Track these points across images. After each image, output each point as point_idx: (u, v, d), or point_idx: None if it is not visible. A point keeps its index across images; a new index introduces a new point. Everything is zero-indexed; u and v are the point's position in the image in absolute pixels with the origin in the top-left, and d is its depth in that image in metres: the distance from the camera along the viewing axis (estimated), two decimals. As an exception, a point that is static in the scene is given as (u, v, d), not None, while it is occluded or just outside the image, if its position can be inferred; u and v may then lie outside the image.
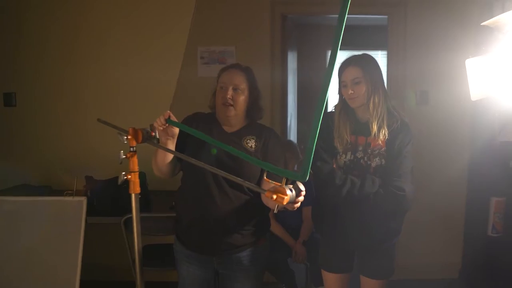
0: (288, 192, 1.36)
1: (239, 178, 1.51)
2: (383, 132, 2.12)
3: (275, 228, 3.06)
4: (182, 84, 3.66)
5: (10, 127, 3.84)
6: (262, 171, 2.08)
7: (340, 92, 2.23)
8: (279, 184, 1.38)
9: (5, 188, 3.41)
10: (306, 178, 1.21)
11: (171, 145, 1.96)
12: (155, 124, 1.87)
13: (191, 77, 3.65)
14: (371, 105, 2.13)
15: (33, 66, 3.76)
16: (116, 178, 2.91)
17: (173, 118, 1.89)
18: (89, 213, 2.77)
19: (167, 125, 1.88)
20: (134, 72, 3.67)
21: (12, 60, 3.77)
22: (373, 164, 2.15)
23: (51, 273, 2.56)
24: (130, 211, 1.75)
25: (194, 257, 2.16)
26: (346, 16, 1.04)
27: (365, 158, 2.16)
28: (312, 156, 1.15)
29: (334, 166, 2.21)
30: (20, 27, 3.74)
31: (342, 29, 1.05)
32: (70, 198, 2.66)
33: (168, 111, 1.89)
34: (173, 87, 3.63)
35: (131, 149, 1.72)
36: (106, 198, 3.08)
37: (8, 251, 2.63)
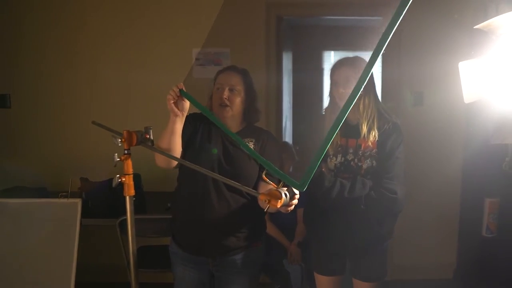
0: (283, 195, 1.37)
1: (237, 183, 1.52)
2: (373, 133, 2.13)
3: (270, 229, 3.07)
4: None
5: (5, 129, 3.84)
6: (259, 175, 2.09)
7: (331, 94, 2.24)
8: (276, 186, 1.40)
9: (0, 190, 3.40)
10: (304, 188, 1.23)
11: (180, 123, 1.94)
12: (168, 97, 1.86)
13: (186, 79, 3.64)
14: (361, 106, 2.14)
15: (29, 68, 3.76)
16: (111, 179, 2.90)
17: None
18: (84, 214, 2.76)
19: (179, 95, 1.85)
20: (129, 74, 3.67)
21: (8, 61, 3.77)
22: (364, 166, 2.15)
23: (46, 275, 2.55)
24: (125, 213, 1.76)
25: (189, 258, 2.16)
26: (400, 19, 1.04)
27: (356, 160, 2.16)
28: (315, 169, 1.16)
29: (324, 169, 2.21)
30: (16, 28, 3.73)
31: (391, 32, 1.08)
32: (65, 200, 2.64)
33: (181, 83, 1.88)
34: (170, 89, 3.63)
35: (126, 151, 1.73)
36: (101, 200, 3.08)
37: (2, 253, 2.62)
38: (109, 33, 3.71)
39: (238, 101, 2.11)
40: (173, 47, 3.68)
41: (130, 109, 3.70)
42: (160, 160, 2.04)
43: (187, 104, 1.90)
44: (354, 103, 2.07)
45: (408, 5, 1.00)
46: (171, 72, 3.64)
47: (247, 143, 2.11)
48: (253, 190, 1.76)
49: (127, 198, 1.74)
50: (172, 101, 1.86)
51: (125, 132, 1.73)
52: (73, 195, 2.71)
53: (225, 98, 2.08)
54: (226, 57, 3.71)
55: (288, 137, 5.29)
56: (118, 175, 1.73)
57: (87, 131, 3.54)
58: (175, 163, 2.05)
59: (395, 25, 1.04)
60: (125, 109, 3.70)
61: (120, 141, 1.73)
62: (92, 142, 3.57)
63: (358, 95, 2.10)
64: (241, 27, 3.68)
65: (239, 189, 1.89)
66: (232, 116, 2.12)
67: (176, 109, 1.88)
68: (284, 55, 4.23)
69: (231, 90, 2.10)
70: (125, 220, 2.59)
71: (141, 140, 1.78)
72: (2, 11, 3.73)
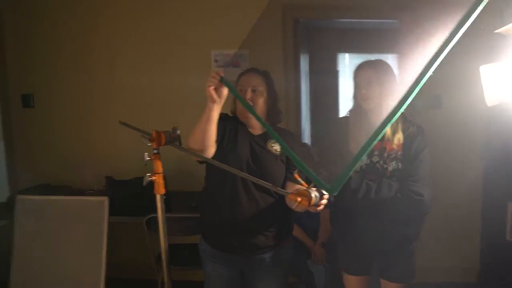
0: (312, 195, 1.41)
1: (266, 183, 1.54)
2: (398, 136, 2.15)
3: (294, 229, 3.07)
4: (196, 87, 3.70)
5: (29, 128, 3.93)
6: (286, 176, 2.12)
7: (354, 96, 2.26)
8: (307, 186, 1.43)
9: (26, 188, 3.49)
10: (335, 193, 1.25)
11: (216, 111, 1.90)
12: (208, 83, 1.82)
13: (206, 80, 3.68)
14: (384, 108, 2.14)
15: (50, 68, 3.84)
16: (136, 178, 2.97)
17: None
18: (109, 212, 2.81)
19: (219, 82, 1.81)
20: (148, 76, 3.73)
21: (30, 62, 3.86)
22: (390, 168, 2.16)
23: (77, 270, 2.60)
24: (151, 211, 1.80)
25: (219, 256, 2.19)
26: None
27: (381, 162, 2.17)
28: (349, 175, 1.18)
29: None
30: (38, 30, 3.82)
31: (458, 34, 1.04)
32: (92, 198, 2.70)
33: (221, 70, 1.85)
34: (190, 90, 3.68)
35: (155, 151, 1.77)
36: (127, 198, 3.12)
37: (32, 250, 2.68)
38: (127, 35, 3.76)
39: (261, 101, 2.14)
40: (191, 49, 3.71)
41: (151, 110, 3.75)
42: (195, 142, 1.98)
43: (225, 91, 1.85)
44: (376, 106, 2.13)
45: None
46: (189, 73, 3.68)
47: (272, 144, 2.14)
48: (283, 190, 1.78)
49: (158, 196, 1.79)
50: (212, 88, 1.83)
51: (153, 132, 1.77)
52: (99, 193, 2.77)
53: (249, 99, 2.10)
54: (244, 59, 3.74)
55: (306, 138, 5.32)
56: (148, 174, 1.77)
57: (111, 130, 3.64)
58: (211, 151, 2.00)
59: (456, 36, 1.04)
60: (146, 109, 3.75)
61: (149, 140, 1.77)
62: (116, 141, 3.66)
63: (383, 99, 2.13)
64: (259, 29, 3.70)
65: (268, 188, 1.89)
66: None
67: (215, 95, 1.83)
68: (301, 57, 4.27)
69: (253, 91, 2.13)
70: (152, 218, 2.63)
71: (170, 140, 1.81)
72: (25, 14, 3.82)
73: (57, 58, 3.84)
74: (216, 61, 3.78)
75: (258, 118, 1.85)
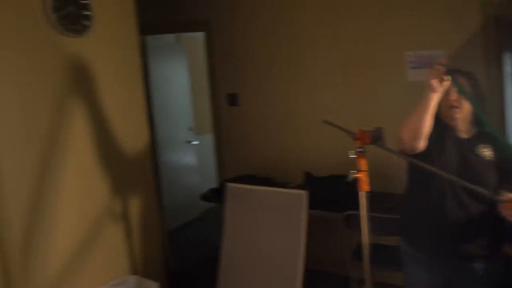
0: None
1: (482, 189, 1.48)
2: None
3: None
4: (391, 89, 3.66)
5: (236, 124, 4.37)
6: (499, 185, 1.96)
7: None
8: None
9: (234, 177, 3.91)
10: None
11: (435, 101, 1.86)
12: (433, 72, 1.79)
13: (400, 82, 3.63)
14: None
15: (253, 70, 4.21)
16: (332, 176, 3.06)
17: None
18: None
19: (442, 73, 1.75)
20: (349, 75, 3.80)
21: (236, 65, 4.28)
22: None
23: (276, 259, 2.76)
24: (348, 208, 1.83)
25: (423, 260, 2.15)
26: None
27: None
28: None
29: None
30: (243, 36, 4.21)
31: None
32: (293, 191, 2.86)
33: (444, 59, 1.83)
34: (385, 92, 3.68)
35: (359, 149, 1.84)
36: (324, 194, 3.21)
37: (238, 232, 2.96)
38: (320, 35, 3.88)
39: (467, 104, 2.01)
40: (386, 49, 3.69)
41: (348, 109, 3.79)
42: (408, 131, 1.94)
43: (447, 82, 1.80)
44: None
45: None
46: (384, 75, 3.67)
47: (483, 149, 2.03)
48: (500, 197, 1.69)
49: (362, 193, 1.85)
50: (434, 78, 1.79)
51: (358, 131, 1.83)
52: (297, 187, 2.93)
53: (454, 100, 2.02)
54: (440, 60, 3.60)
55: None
56: (352, 171, 1.84)
57: (310, 129, 3.84)
58: (421, 144, 1.94)
59: None
60: (342, 108, 3.79)
61: (353, 139, 1.83)
62: (314, 139, 3.83)
63: None
64: (455, 29, 3.48)
65: (480, 195, 1.81)
66: (462, 118, 2.05)
67: (437, 84, 1.79)
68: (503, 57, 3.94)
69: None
70: (351, 215, 2.68)
71: (374, 139, 1.85)
72: (231, 22, 4.24)
73: (259, 62, 4.17)
74: (411, 62, 3.71)
75: (482, 116, 1.78)
